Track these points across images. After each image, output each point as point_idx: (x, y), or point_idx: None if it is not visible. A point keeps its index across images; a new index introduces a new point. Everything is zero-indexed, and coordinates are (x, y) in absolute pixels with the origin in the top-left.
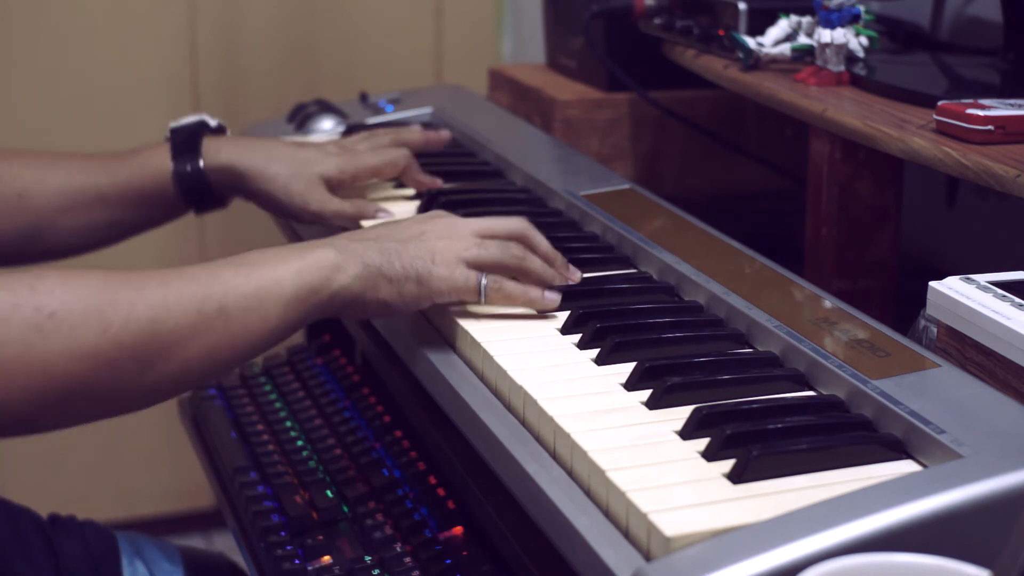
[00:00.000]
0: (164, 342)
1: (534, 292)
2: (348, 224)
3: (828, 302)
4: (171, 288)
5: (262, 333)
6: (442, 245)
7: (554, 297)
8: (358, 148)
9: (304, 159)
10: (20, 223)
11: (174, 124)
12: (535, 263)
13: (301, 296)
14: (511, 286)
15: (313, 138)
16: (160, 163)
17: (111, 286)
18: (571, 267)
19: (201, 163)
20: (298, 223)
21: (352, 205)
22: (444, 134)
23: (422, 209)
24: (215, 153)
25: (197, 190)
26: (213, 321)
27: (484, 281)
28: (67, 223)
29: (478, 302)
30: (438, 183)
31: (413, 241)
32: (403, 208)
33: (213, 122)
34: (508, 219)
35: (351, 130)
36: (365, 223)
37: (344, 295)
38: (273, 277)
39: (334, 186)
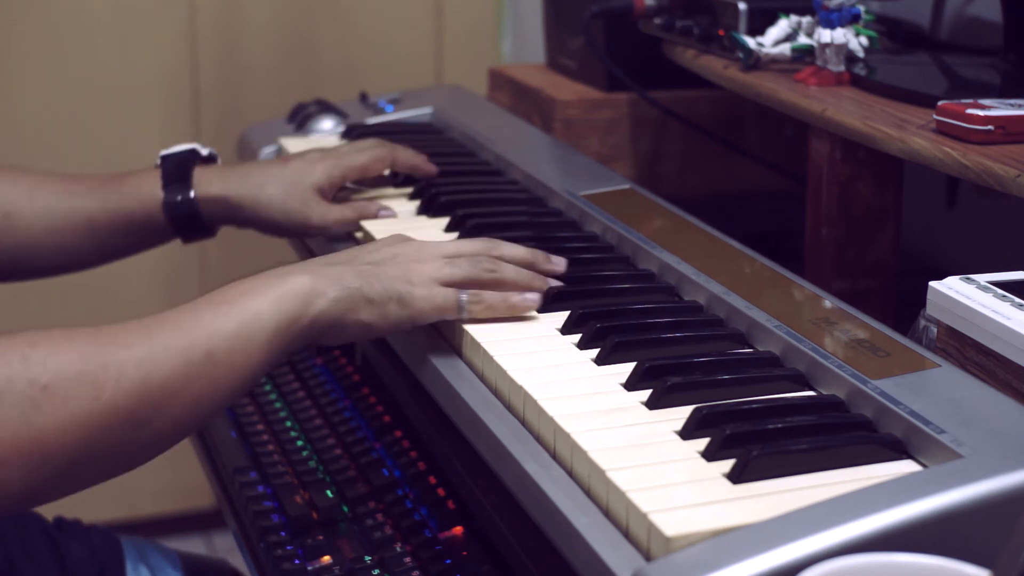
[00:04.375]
0: (156, 398)
1: (514, 297)
2: (352, 228)
3: (828, 302)
4: (156, 340)
5: (249, 370)
6: (415, 267)
7: (533, 297)
8: (341, 150)
9: (293, 176)
10: (7, 242)
11: (165, 152)
12: (508, 271)
13: (282, 327)
14: (490, 296)
15: (313, 138)
16: (150, 191)
17: (99, 347)
18: (553, 257)
19: (192, 194)
20: (304, 238)
21: (352, 209)
22: (433, 169)
23: (422, 208)
24: (206, 185)
25: (187, 220)
26: (201, 368)
27: (463, 297)
28: (53, 245)
29: (460, 319)
30: (433, 168)
31: (388, 263)
32: (403, 207)
33: (204, 151)
34: (475, 240)
35: (351, 130)
36: (367, 224)
37: (324, 319)
38: (253, 312)
39: (326, 193)
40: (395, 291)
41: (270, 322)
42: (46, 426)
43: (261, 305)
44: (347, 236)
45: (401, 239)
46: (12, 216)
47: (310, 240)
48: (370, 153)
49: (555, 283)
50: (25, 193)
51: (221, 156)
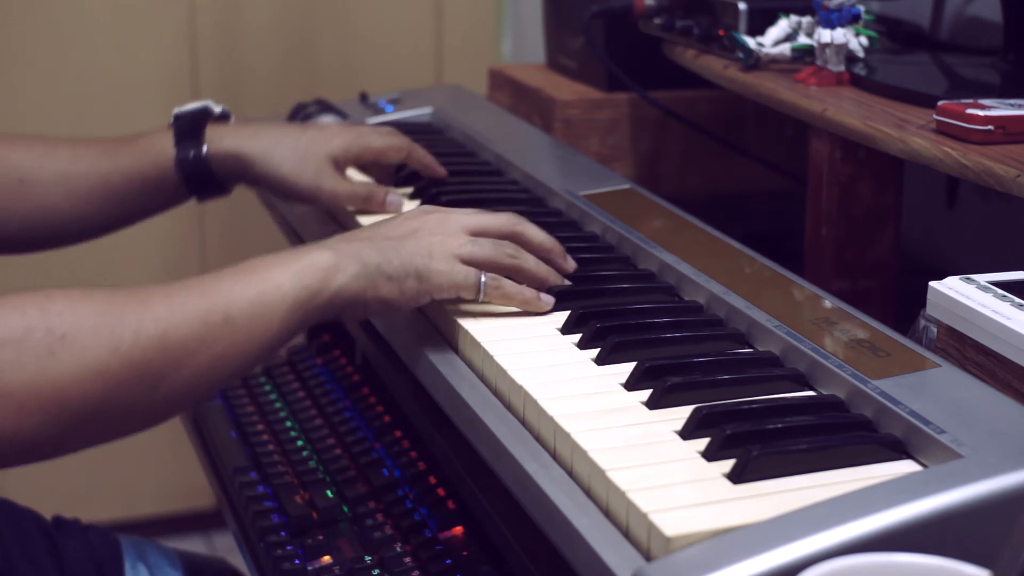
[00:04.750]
0: (173, 356)
1: (529, 293)
2: (359, 206)
3: (828, 302)
4: (176, 301)
5: (266, 338)
6: (437, 241)
7: (548, 300)
8: (361, 129)
9: (310, 141)
10: (23, 210)
11: (178, 110)
12: (529, 262)
13: (301, 299)
14: (509, 286)
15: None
16: (162, 149)
17: (117, 304)
18: (568, 257)
19: (204, 150)
20: (303, 205)
21: (364, 187)
22: (443, 172)
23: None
24: (219, 140)
25: (200, 177)
26: (219, 331)
27: (484, 279)
28: (69, 209)
29: (475, 300)
30: (443, 171)
31: (408, 238)
32: (404, 207)
33: (217, 108)
34: (500, 215)
35: None
36: (363, 221)
37: (344, 295)
38: (273, 282)
39: (340, 165)
40: (413, 266)
41: (290, 293)
42: (63, 375)
43: (282, 276)
44: (344, 229)
45: (426, 211)
46: (27, 183)
47: (302, 231)
48: (388, 140)
49: (570, 267)
50: (38, 160)
51: None
